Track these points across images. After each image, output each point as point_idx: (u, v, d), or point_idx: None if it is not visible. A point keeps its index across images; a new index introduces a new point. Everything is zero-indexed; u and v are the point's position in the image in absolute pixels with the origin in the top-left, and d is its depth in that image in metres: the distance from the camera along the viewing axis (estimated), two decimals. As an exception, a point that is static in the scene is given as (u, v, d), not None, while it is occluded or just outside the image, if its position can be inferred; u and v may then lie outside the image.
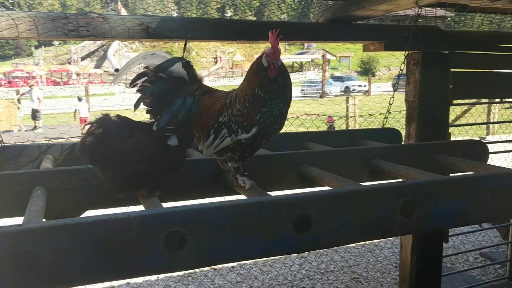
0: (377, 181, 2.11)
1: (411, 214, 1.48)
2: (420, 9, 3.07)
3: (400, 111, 4.74)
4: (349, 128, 12.42)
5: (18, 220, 1.48)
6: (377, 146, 2.38)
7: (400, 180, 1.95)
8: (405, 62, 3.31)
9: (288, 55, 55.57)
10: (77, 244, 1.14)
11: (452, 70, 3.40)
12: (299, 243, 1.34)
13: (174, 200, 1.89)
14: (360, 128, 12.01)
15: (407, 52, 3.26)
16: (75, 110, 16.83)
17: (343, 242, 1.49)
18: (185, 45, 2.05)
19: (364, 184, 1.73)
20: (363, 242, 5.91)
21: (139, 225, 1.17)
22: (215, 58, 58.74)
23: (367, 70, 48.55)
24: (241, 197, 1.71)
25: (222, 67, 55.97)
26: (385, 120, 3.09)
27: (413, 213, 1.49)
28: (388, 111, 3.13)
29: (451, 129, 3.59)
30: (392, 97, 3.11)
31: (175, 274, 4.99)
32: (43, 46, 58.82)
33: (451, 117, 4.05)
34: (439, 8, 3.82)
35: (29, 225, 1.23)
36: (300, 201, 1.35)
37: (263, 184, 1.73)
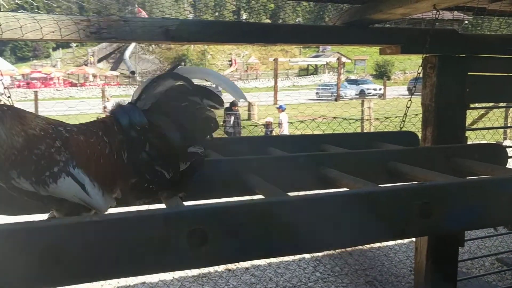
0: (394, 183, 2.12)
1: (428, 216, 1.49)
2: (437, 13, 3.07)
3: (416, 114, 4.74)
4: (365, 131, 12.39)
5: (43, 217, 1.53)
6: (394, 149, 2.39)
7: (418, 182, 1.96)
8: (422, 66, 3.31)
9: (304, 57, 55.57)
10: (103, 240, 1.18)
11: (469, 73, 3.40)
12: (319, 242, 1.37)
13: (191, 200, 1.92)
14: (376, 131, 11.97)
15: (424, 56, 3.26)
16: (105, 105, 17.39)
17: (361, 242, 1.51)
18: None
19: (381, 186, 1.74)
20: (377, 246, 5.90)
21: (163, 222, 1.21)
22: (230, 61, 58.96)
23: (382, 74, 48.31)
24: (259, 197, 1.74)
25: (236, 69, 56.16)
26: (402, 123, 3.09)
27: (431, 215, 1.49)
28: (405, 114, 3.14)
29: (467, 133, 3.58)
30: (410, 100, 3.11)
31: (190, 274, 5.03)
32: (60, 48, 59.62)
33: (468, 121, 4.03)
34: (456, 12, 3.81)
35: (57, 220, 1.27)
36: (320, 201, 1.38)
37: (282, 185, 1.75)
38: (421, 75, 3.37)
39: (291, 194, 1.63)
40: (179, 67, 1.62)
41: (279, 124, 13.58)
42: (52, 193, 1.32)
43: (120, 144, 1.47)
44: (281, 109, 14.15)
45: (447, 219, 1.56)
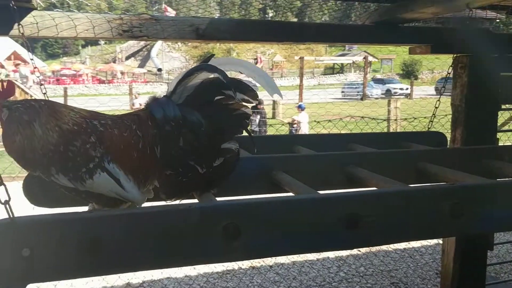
0: (423, 183, 2.11)
1: (459, 216, 1.49)
2: (470, 12, 3.02)
3: (446, 115, 4.67)
4: (392, 131, 12.24)
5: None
6: (423, 149, 2.38)
7: (448, 183, 1.95)
8: (452, 65, 3.27)
9: (330, 56, 55.20)
10: (142, 232, 1.22)
11: (501, 74, 3.34)
12: (349, 239, 1.38)
13: (222, 196, 1.95)
14: (405, 131, 11.81)
15: (455, 55, 3.22)
16: (133, 103, 17.90)
17: (391, 241, 1.52)
18: None
19: (411, 186, 1.74)
20: (403, 247, 5.85)
21: (199, 215, 1.24)
22: (255, 58, 59.00)
23: (409, 73, 47.58)
24: (290, 195, 1.76)
25: (262, 67, 56.13)
26: (430, 123, 3.06)
27: (461, 215, 1.49)
28: (433, 114, 3.10)
29: (498, 135, 3.51)
30: (438, 100, 3.08)
31: (215, 270, 5.09)
32: (89, 46, 60.69)
33: (499, 122, 3.96)
34: (489, 11, 3.74)
35: (97, 212, 1.33)
36: (351, 199, 1.40)
37: (311, 183, 1.77)
38: (451, 75, 3.33)
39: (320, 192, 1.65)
40: (213, 58, 1.62)
41: (298, 124, 13.11)
42: (89, 188, 1.35)
43: (153, 138, 1.47)
44: (300, 108, 13.49)
45: (477, 220, 1.55)
